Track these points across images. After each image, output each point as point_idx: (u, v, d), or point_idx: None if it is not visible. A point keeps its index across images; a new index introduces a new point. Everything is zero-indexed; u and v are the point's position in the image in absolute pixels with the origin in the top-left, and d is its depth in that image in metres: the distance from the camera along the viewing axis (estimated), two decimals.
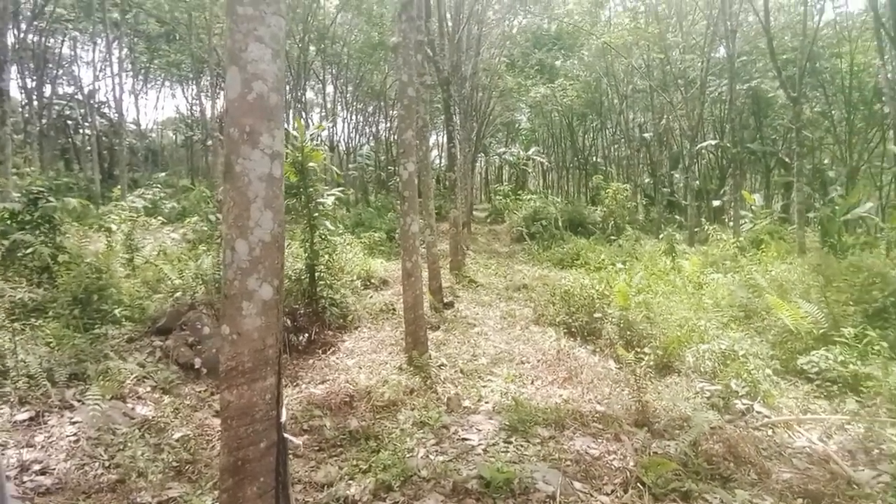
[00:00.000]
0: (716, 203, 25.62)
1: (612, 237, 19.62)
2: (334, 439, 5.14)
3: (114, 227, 10.79)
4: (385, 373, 7.02)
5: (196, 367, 6.85)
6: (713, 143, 25.83)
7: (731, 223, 18.62)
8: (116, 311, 7.50)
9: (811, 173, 21.90)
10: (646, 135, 30.86)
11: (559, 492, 4.06)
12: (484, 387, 6.67)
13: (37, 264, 8.26)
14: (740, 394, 6.17)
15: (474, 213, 28.85)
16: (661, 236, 19.20)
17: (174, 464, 4.70)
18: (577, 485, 4.30)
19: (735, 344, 7.17)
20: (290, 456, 3.01)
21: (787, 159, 23.61)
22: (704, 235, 19.23)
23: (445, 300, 11.03)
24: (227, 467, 2.91)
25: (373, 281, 12.42)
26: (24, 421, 5.11)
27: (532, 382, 6.91)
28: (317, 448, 5.04)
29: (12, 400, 5.24)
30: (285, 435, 3.00)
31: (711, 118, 29.20)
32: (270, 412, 2.94)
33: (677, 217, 26.14)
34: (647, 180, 32.15)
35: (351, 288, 10.38)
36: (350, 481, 4.33)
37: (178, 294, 7.92)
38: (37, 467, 4.50)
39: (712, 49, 21.97)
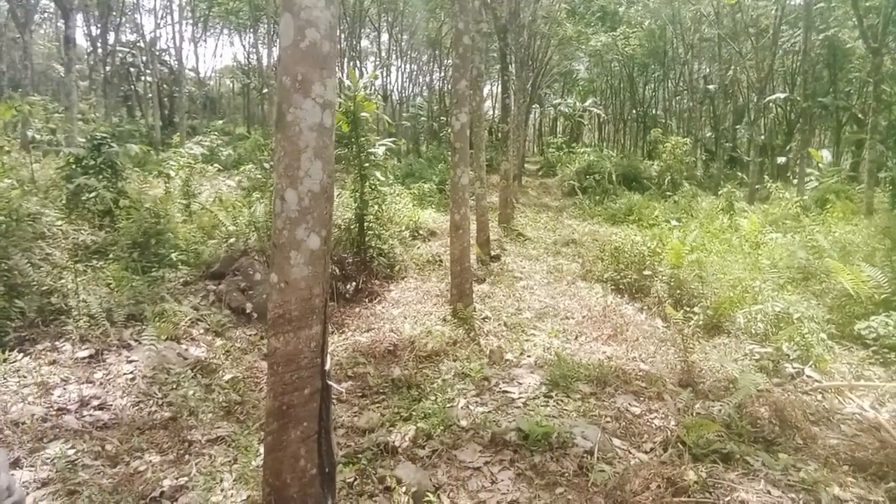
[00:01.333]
0: (780, 160, 24.46)
1: (668, 193, 19.05)
2: (377, 387, 5.27)
3: (172, 174, 11.10)
4: (429, 323, 7.10)
5: (247, 311, 7.08)
6: (782, 96, 24.50)
7: (796, 181, 17.77)
8: (173, 255, 7.78)
9: (886, 130, 20.55)
10: (710, 86, 29.49)
11: (597, 447, 4.07)
12: (527, 341, 6.68)
13: (99, 208, 8.60)
14: (791, 357, 5.98)
15: (526, 165, 28.45)
16: (719, 193, 18.53)
17: (224, 404, 4.91)
18: (617, 441, 4.30)
19: (790, 306, 6.92)
20: (334, 402, 3.09)
21: (860, 115, 22.20)
22: (766, 193, 18.45)
23: (492, 253, 11.00)
24: (272, 411, 3.01)
25: (421, 232, 12.47)
26: (85, 358, 5.41)
27: (576, 338, 6.87)
28: (360, 395, 5.18)
29: (74, 338, 5.55)
30: (329, 382, 3.07)
31: (782, 70, 27.64)
32: (315, 360, 3.01)
33: (739, 174, 25.14)
34: (708, 134, 30.89)
35: (399, 238, 10.46)
36: (391, 428, 4.44)
37: (231, 240, 8.14)
38: (95, 403, 4.78)
39: None
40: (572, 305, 8.16)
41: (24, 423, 4.26)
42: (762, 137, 24.43)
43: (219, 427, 4.56)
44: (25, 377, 4.91)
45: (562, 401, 4.91)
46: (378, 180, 9.20)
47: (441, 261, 10.31)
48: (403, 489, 3.57)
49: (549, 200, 20.60)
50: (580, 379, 5.31)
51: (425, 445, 4.19)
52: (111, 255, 7.39)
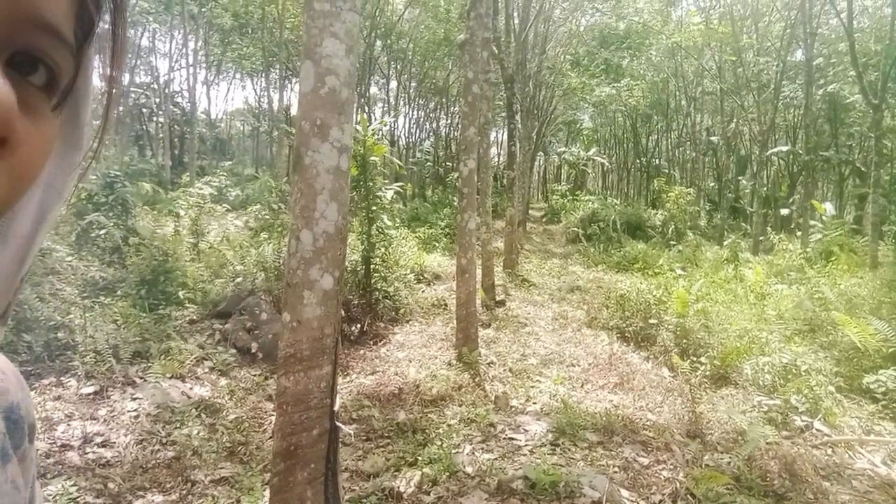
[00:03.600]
0: (784, 212, 24.62)
1: (672, 242, 19.14)
2: (382, 430, 5.22)
3: (181, 213, 11.22)
4: (434, 367, 7.07)
5: (252, 351, 7.07)
6: (784, 149, 24.82)
7: (800, 233, 17.86)
8: (180, 294, 7.82)
9: (888, 184, 20.76)
10: (713, 138, 29.92)
11: (605, 498, 4.00)
12: (532, 387, 6.63)
13: (109, 245, 8.68)
14: (800, 410, 5.93)
15: (531, 212, 28.67)
16: (724, 244, 18.60)
17: (227, 444, 4.87)
18: (625, 493, 4.23)
19: (797, 358, 6.88)
20: (351, 434, 3.07)
21: (862, 168, 22.48)
22: (770, 244, 18.52)
23: (498, 298, 11.01)
24: (279, 451, 3.00)
25: (426, 275, 12.51)
26: (90, 395, 5.39)
27: (582, 386, 6.82)
28: (365, 438, 5.13)
29: (79, 374, 5.54)
30: (337, 423, 3.07)
31: (784, 123, 28.09)
32: (325, 400, 3.01)
33: (742, 224, 25.28)
34: (711, 185, 31.22)
35: (404, 281, 10.49)
36: (396, 473, 4.39)
37: (238, 279, 8.18)
38: (99, 440, 4.74)
39: (789, 52, 21.11)
40: (578, 352, 8.12)
41: None
42: (765, 189, 24.67)
43: (222, 468, 4.51)
44: None
45: (568, 449, 4.86)
46: (385, 223, 9.29)
47: (446, 304, 10.31)
48: None
49: (553, 247, 20.70)
50: (587, 427, 5.25)
51: (430, 492, 4.14)
52: (119, 292, 7.43)
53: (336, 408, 3.07)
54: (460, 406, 5.81)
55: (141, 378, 5.82)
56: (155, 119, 35.93)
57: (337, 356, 3.07)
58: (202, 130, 39.07)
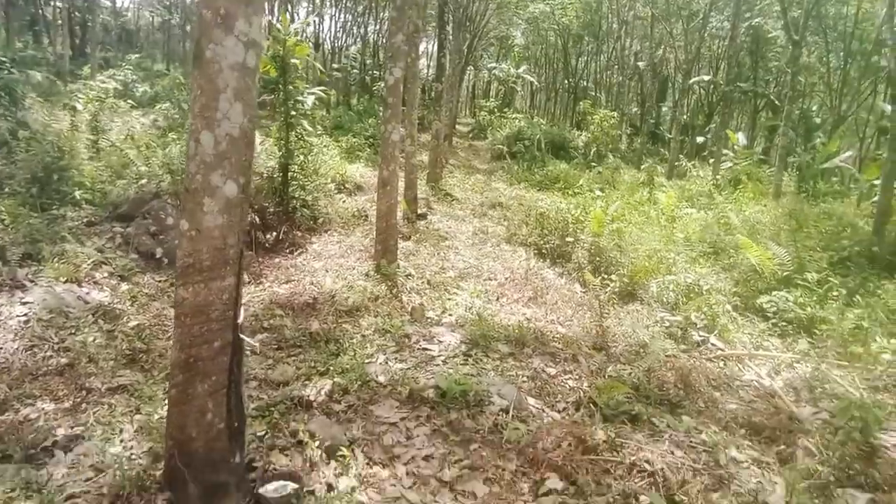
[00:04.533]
0: (699, 139, 25.43)
1: (594, 164, 19.45)
2: (294, 340, 5.11)
3: (80, 107, 10.27)
4: (351, 278, 6.97)
5: (157, 256, 6.70)
6: (706, 78, 25.34)
7: (712, 161, 18.55)
8: (76, 194, 7.23)
9: (798, 118, 21.72)
10: (640, 63, 30.07)
11: (513, 406, 4.12)
12: (449, 300, 6.68)
13: None
14: (698, 326, 6.29)
15: (457, 126, 28.26)
16: (642, 167, 19.09)
17: (127, 352, 4.64)
18: (532, 401, 4.37)
19: (700, 279, 7.26)
20: (248, 354, 2.95)
21: (776, 102, 23.32)
22: (684, 170, 19.20)
23: (419, 211, 10.90)
24: (178, 363, 2.84)
25: (347, 186, 12.17)
26: None
27: (497, 299, 6.94)
28: (276, 347, 5.02)
29: None
30: (241, 336, 2.93)
31: (708, 53, 28.50)
32: (227, 312, 2.85)
33: (660, 150, 25.97)
34: (634, 110, 31.66)
35: (324, 191, 10.16)
36: (307, 382, 4.34)
37: (143, 181, 7.65)
38: None
39: None
40: (496, 267, 8.22)
41: None
42: (684, 117, 25.29)
43: (121, 375, 4.31)
44: None
45: (481, 360, 4.95)
46: (305, 130, 8.84)
47: (366, 216, 10.11)
48: (316, 443, 3.49)
49: (478, 163, 20.59)
50: (500, 339, 5.36)
51: (341, 400, 4.12)
52: (7, 190, 6.79)
53: (240, 320, 2.92)
54: (376, 317, 5.77)
55: (31, 281, 5.40)
56: (52, 3, 32.26)
57: (241, 267, 2.88)
58: (106, 19, 35.65)
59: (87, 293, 5.58)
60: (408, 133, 11.03)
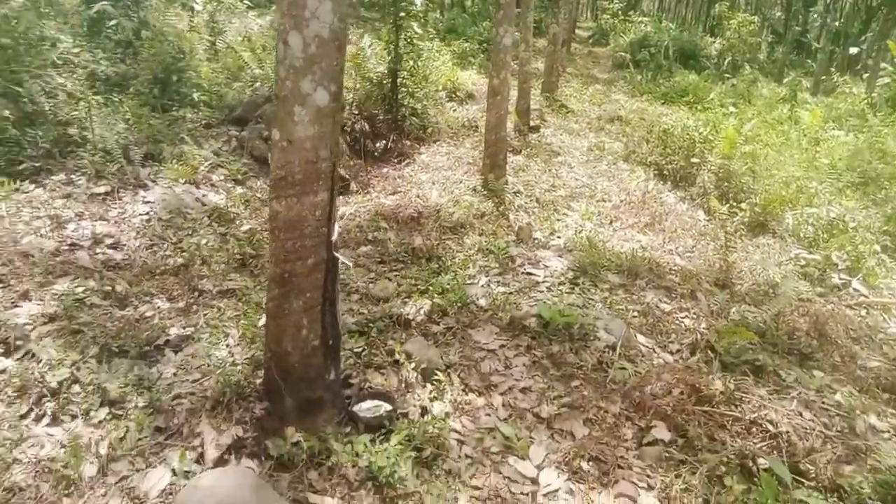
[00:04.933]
0: (853, 50, 22.25)
1: (727, 75, 17.61)
2: (396, 254, 5.03)
3: (198, 6, 10.36)
4: (457, 192, 6.77)
5: (269, 161, 6.76)
6: None
7: (867, 75, 16.21)
8: (195, 95, 7.38)
9: None
10: None
11: (620, 343, 3.84)
12: (558, 220, 6.34)
13: (120, 38, 8.08)
14: (840, 267, 5.57)
15: (577, 31, 26.40)
16: (783, 81, 17.10)
17: (238, 256, 4.74)
18: (642, 339, 4.07)
19: (846, 213, 6.39)
20: (349, 266, 2.84)
21: None
22: (832, 86, 16.97)
23: (532, 123, 10.36)
24: (273, 277, 2.78)
25: (458, 94, 11.75)
26: (100, 195, 5.23)
27: (611, 223, 6.51)
28: (378, 261, 4.97)
29: (90, 173, 5.33)
30: (336, 254, 2.80)
31: None
32: (320, 229, 2.71)
33: (806, 61, 23.10)
34: (777, 15, 28.13)
35: (434, 99, 9.85)
36: (406, 299, 4.25)
37: (257, 84, 7.67)
38: (109, 241, 4.64)
39: None
40: (611, 188, 7.70)
41: (34, 256, 4.15)
42: (837, 24, 22.16)
43: (231, 279, 4.41)
44: (38, 209, 4.77)
45: (588, 290, 4.65)
46: (415, 33, 8.44)
47: (476, 126, 9.75)
48: (412, 364, 3.42)
49: (597, 72, 19.25)
50: (610, 268, 5.01)
51: (440, 322, 4.02)
52: (131, 90, 7.02)
53: (334, 237, 2.79)
54: (480, 235, 5.57)
55: (153, 181, 5.62)
56: None
57: (335, 181, 2.71)
58: None
59: (204, 195, 5.74)
60: (522, 37, 10.34)
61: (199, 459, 2.61)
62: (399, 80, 8.52)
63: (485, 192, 6.75)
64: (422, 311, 4.08)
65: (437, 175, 7.50)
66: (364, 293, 4.34)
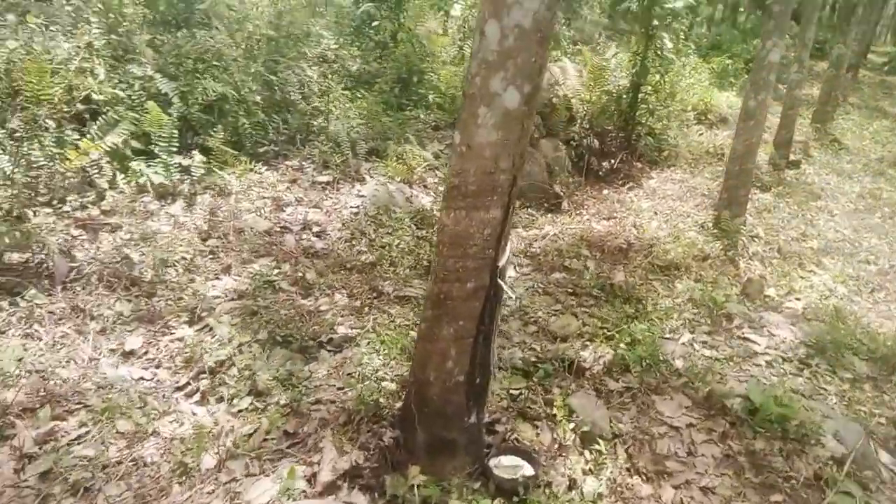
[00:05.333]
0: None
1: None
2: (591, 288, 4.53)
3: (455, 12, 10.71)
4: (681, 227, 6.00)
5: None
6: None
7: None
8: (430, 97, 7.58)
9: None
10: None
11: (853, 457, 2.93)
12: (801, 279, 5.28)
13: (379, 38, 8.62)
14: None
15: (869, 55, 22.53)
16: None
17: (426, 262, 4.65)
18: (886, 457, 3.08)
19: None
20: (513, 297, 2.50)
21: None
22: None
23: (791, 157, 8.94)
24: (430, 296, 2.54)
25: (709, 117, 10.60)
26: (322, 184, 5.53)
27: (872, 292, 5.25)
28: (569, 291, 4.51)
29: (318, 162, 5.67)
30: (501, 282, 2.46)
31: None
32: (487, 250, 2.39)
33: None
34: None
35: (679, 119, 8.99)
36: (587, 343, 3.76)
37: None
38: (316, 229, 4.85)
39: None
40: (880, 247, 6.25)
41: (246, 234, 4.47)
42: None
43: (411, 285, 4.32)
44: (266, 190, 5.17)
45: (822, 376, 3.70)
46: (665, 45, 7.70)
47: (722, 155, 8.65)
48: (573, 425, 2.95)
49: (888, 105, 16.16)
50: (859, 352, 3.96)
51: (619, 378, 3.46)
52: (375, 88, 7.41)
53: (502, 262, 2.45)
54: (696, 282, 4.81)
55: (370, 176, 5.82)
56: None
57: (513, 199, 2.37)
58: None
59: (415, 195, 5.81)
60: (795, 56, 8.94)
61: (312, 479, 2.47)
62: (640, 95, 7.88)
63: (714, 231, 5.88)
64: (601, 361, 3.56)
65: (661, 204, 6.75)
66: (542, 327, 3.94)
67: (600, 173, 7.67)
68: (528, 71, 2.18)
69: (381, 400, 2.92)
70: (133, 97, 4.93)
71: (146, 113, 4.78)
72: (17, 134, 4.14)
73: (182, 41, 5.46)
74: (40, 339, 3.09)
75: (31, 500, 2.26)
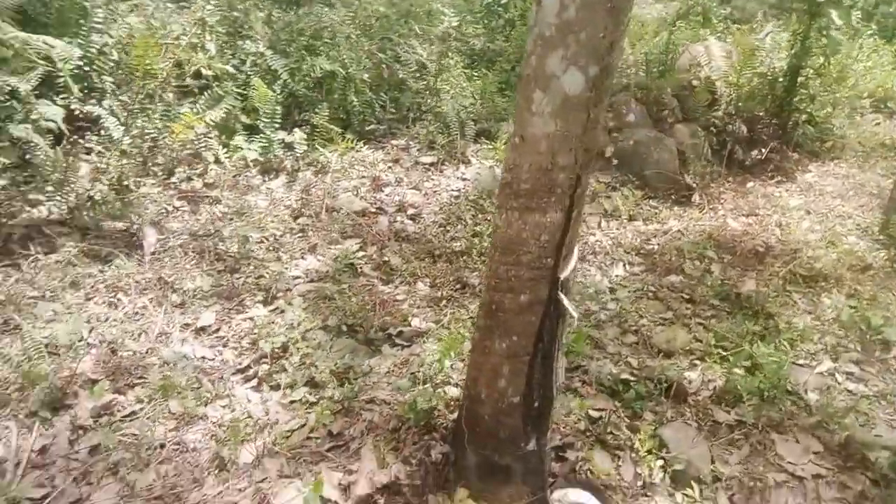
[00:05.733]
0: None
1: None
2: (711, 297, 3.90)
3: None
4: (838, 230, 5.08)
5: (606, 155, 6.09)
6: None
7: None
8: None
9: None
10: None
11: None
12: None
13: (507, 16, 8.23)
14: None
15: None
16: None
17: None
18: None
19: None
20: (576, 317, 2.10)
21: None
22: None
23: None
24: (483, 304, 2.21)
25: (890, 105, 9.04)
26: (426, 165, 5.33)
27: None
28: (685, 298, 3.92)
29: (422, 144, 5.46)
30: (561, 296, 2.06)
31: None
32: (544, 259, 2.01)
33: None
34: None
35: (850, 107, 7.72)
36: (695, 363, 3.22)
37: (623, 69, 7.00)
38: (411, 212, 4.65)
39: None
40: None
41: (338, 213, 4.36)
42: None
43: None
44: (366, 169, 5.06)
45: None
46: (833, 24, 6.56)
47: None
48: (660, 461, 2.49)
49: None
50: None
51: (730, 409, 2.90)
52: (496, 67, 7.06)
53: (564, 274, 2.05)
54: (849, 297, 4.00)
55: (476, 158, 5.52)
56: None
57: (576, 202, 1.96)
58: None
59: None
60: None
61: (347, 491, 2.25)
62: (800, 79, 6.83)
63: (881, 238, 4.92)
64: (710, 386, 3.02)
65: (817, 202, 5.79)
66: (643, 337, 3.43)
67: (746, 163, 6.75)
68: (594, 49, 1.75)
69: (441, 406, 2.63)
70: (242, 73, 5.01)
71: (253, 89, 4.84)
72: (130, 106, 4.33)
73: (297, 18, 5.48)
74: (120, 309, 3.17)
75: (75, 473, 2.27)
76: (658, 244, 4.77)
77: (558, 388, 2.29)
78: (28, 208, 3.71)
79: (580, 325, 3.34)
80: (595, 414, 2.76)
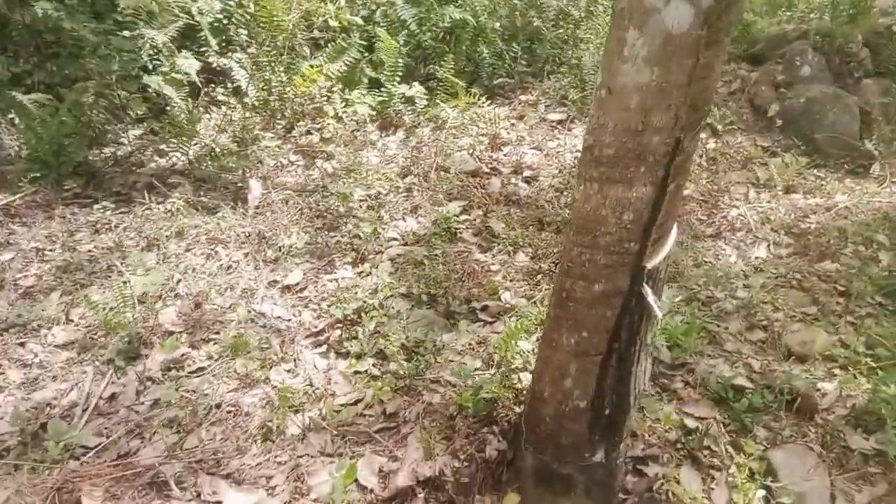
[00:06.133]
0: None
1: None
2: (872, 290, 3.20)
3: None
4: None
5: (769, 114, 5.27)
6: None
7: None
8: None
9: None
10: None
11: None
12: None
13: None
14: None
15: None
16: None
17: None
18: None
19: None
20: (660, 316, 1.75)
21: None
22: None
23: None
24: (555, 289, 1.91)
25: None
26: (553, 122, 4.95)
27: None
28: (839, 290, 3.26)
29: (553, 99, 5.06)
30: (646, 289, 1.70)
31: None
32: (627, 243, 1.66)
33: None
34: None
35: None
36: (834, 372, 2.66)
37: (788, 14, 6.01)
38: (527, 173, 4.33)
39: None
40: None
41: (448, 173, 4.15)
42: None
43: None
44: (487, 127, 4.78)
45: None
46: None
47: None
48: (763, 491, 2.09)
49: None
50: None
51: (870, 436, 2.35)
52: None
53: (651, 264, 1.68)
54: None
55: None
56: None
57: (673, 174, 1.56)
58: None
59: None
60: None
61: (386, 479, 2.10)
62: None
63: None
64: (846, 403, 2.48)
65: None
66: (774, 335, 2.90)
67: None
68: None
69: (509, 396, 2.39)
70: (371, 24, 4.89)
71: (378, 40, 4.70)
72: (257, 59, 4.37)
73: None
74: (215, 261, 3.23)
75: (132, 425, 2.33)
76: (816, 222, 4.05)
77: (638, 396, 1.95)
78: (157, 158, 3.90)
79: (696, 315, 2.89)
80: (692, 423, 2.36)
